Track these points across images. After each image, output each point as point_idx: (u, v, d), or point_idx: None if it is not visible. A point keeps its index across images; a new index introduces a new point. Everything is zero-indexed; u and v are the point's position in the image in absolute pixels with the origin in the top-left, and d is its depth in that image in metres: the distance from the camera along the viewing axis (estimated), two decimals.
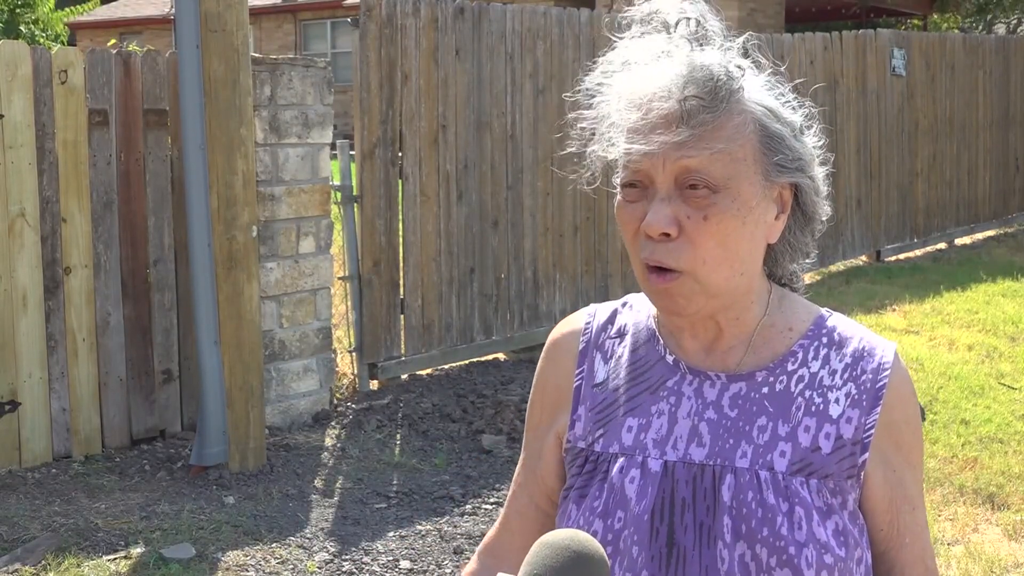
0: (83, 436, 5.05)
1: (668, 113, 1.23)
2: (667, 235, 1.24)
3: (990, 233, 12.34)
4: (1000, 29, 23.36)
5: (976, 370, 6.56)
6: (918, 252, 11.17)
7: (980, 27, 22.73)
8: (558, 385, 1.42)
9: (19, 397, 4.86)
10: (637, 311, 1.42)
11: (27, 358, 4.88)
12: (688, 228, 1.24)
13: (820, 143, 1.35)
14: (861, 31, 10.39)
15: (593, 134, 1.32)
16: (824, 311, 1.38)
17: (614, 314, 1.43)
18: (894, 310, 8.23)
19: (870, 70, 10.28)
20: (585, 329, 1.43)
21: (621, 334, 1.41)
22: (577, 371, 1.41)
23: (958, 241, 11.84)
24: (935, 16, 23.65)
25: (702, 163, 1.23)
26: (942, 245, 11.57)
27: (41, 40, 11.02)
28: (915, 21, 24.15)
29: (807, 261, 1.40)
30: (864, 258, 10.54)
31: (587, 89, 1.32)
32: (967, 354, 6.96)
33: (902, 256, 10.91)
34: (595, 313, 1.44)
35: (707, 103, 1.22)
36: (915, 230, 11.08)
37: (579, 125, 1.32)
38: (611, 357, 1.40)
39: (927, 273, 9.94)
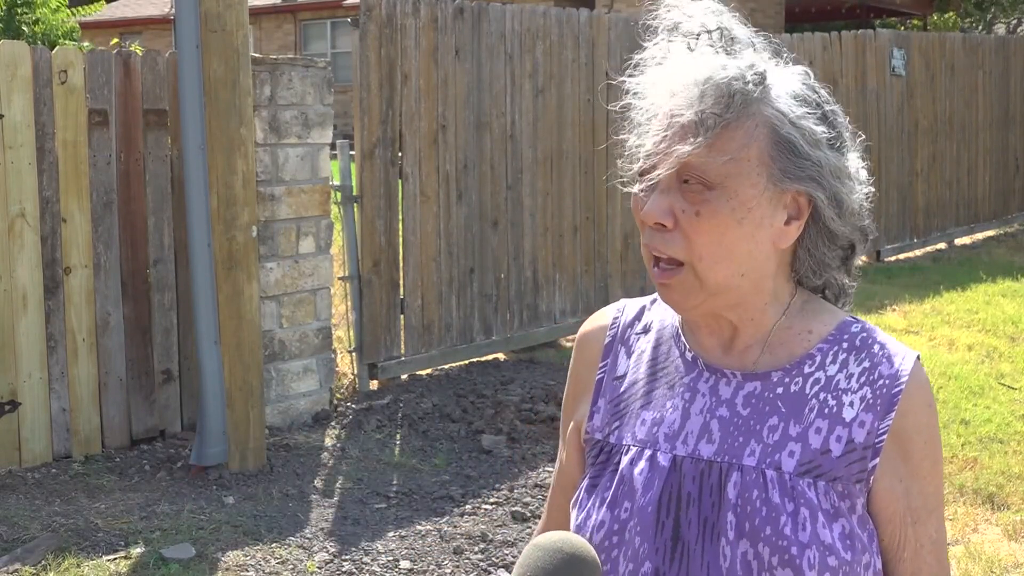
0: (83, 436, 5.05)
1: (685, 124, 1.24)
2: (663, 226, 1.27)
3: (990, 233, 12.34)
4: (1000, 29, 23.34)
5: (976, 370, 6.56)
6: (918, 252, 11.17)
7: (980, 27, 22.71)
8: (584, 378, 1.46)
9: (19, 397, 4.86)
10: (664, 308, 1.43)
11: (27, 358, 4.88)
12: (682, 222, 1.26)
13: (861, 164, 1.34)
14: (860, 31, 10.39)
15: (628, 129, 1.33)
16: (850, 317, 1.37)
17: (642, 310, 1.46)
18: (894, 310, 8.23)
19: (869, 70, 10.28)
20: (612, 324, 1.46)
21: (646, 330, 1.43)
22: (601, 364, 1.44)
23: (958, 241, 11.83)
24: (935, 16, 23.65)
25: (699, 159, 1.25)
26: (942, 245, 11.57)
27: (58, 37, 10.91)
28: (915, 21, 24.16)
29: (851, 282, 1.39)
30: (864, 258, 10.44)
31: (625, 88, 1.33)
32: (967, 354, 6.96)
33: (902, 256, 10.90)
34: (624, 308, 1.47)
35: (723, 114, 1.24)
36: (915, 230, 11.08)
37: (624, 120, 1.35)
38: (634, 352, 1.42)
39: (927, 273, 9.93)
